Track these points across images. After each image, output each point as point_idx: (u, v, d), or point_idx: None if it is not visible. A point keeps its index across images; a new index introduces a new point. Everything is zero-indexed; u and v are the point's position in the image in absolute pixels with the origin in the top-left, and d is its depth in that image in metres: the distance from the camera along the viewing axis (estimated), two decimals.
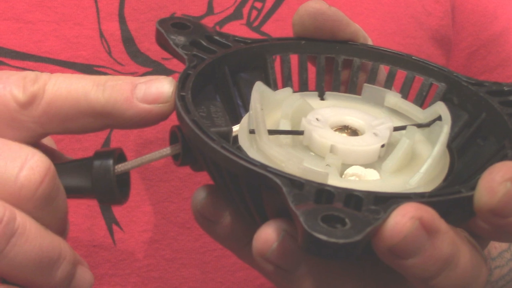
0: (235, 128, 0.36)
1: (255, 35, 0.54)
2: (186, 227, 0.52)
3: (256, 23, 0.54)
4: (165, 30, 0.39)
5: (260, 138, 0.34)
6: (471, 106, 0.38)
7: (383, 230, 0.28)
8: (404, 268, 0.29)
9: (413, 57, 0.41)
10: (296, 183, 0.29)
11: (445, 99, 0.39)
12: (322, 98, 0.41)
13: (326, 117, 0.37)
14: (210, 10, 0.53)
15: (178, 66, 0.52)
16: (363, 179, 0.34)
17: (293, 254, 0.31)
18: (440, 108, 0.37)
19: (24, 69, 0.49)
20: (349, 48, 0.41)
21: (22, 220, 0.32)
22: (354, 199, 0.29)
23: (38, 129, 0.34)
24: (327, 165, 0.35)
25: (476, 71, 0.64)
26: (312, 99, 0.40)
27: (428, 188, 0.34)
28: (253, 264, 0.36)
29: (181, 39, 0.39)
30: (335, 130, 0.37)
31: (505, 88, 0.38)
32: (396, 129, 0.37)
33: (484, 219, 0.30)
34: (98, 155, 0.35)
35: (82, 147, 0.50)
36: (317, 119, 0.37)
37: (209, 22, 0.53)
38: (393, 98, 0.39)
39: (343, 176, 0.35)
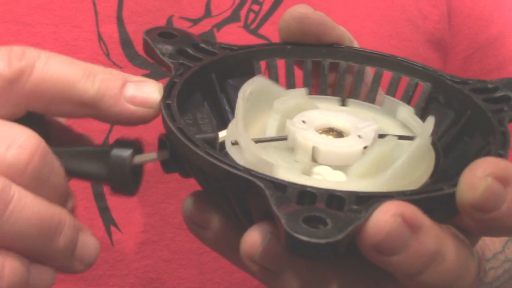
0: (222, 134, 0.36)
1: (253, 38, 0.54)
2: (184, 228, 0.52)
3: (253, 26, 0.54)
4: (151, 40, 0.40)
5: (237, 129, 0.35)
6: (457, 104, 0.39)
7: (366, 228, 0.29)
8: (390, 265, 0.30)
9: (398, 58, 0.41)
10: (279, 186, 0.30)
11: (431, 98, 0.40)
12: (343, 104, 0.41)
13: (312, 119, 0.37)
14: (207, 13, 0.54)
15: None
16: (327, 179, 0.34)
17: (280, 256, 0.31)
18: (427, 123, 0.37)
19: None
20: (335, 51, 0.42)
21: (18, 189, 0.32)
22: (336, 200, 0.29)
23: (23, 106, 0.34)
24: (295, 161, 0.35)
25: (473, 74, 0.64)
26: (332, 104, 0.41)
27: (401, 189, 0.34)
28: (245, 268, 0.37)
29: (167, 48, 0.39)
30: (321, 133, 0.37)
31: (489, 85, 0.39)
32: (401, 138, 0.37)
33: (468, 215, 0.30)
34: (118, 143, 0.35)
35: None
36: (303, 121, 0.37)
37: (206, 24, 0.53)
38: (403, 112, 0.39)
39: (310, 174, 0.35)
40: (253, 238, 0.31)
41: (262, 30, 0.54)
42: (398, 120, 0.40)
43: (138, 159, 0.35)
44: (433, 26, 0.61)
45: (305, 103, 0.39)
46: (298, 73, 0.42)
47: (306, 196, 0.30)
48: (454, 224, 0.34)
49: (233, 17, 0.54)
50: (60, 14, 0.51)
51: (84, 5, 0.52)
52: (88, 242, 0.35)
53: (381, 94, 0.42)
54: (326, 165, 0.35)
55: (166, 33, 0.40)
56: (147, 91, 0.35)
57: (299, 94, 0.39)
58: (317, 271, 0.32)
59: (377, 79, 0.41)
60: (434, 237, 0.30)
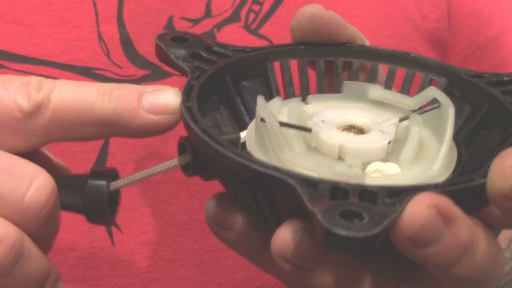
0: (243, 134, 0.36)
1: (253, 38, 0.54)
2: (185, 228, 0.52)
3: (253, 26, 0.54)
4: (165, 45, 0.40)
5: (283, 151, 0.35)
6: (473, 98, 0.39)
7: (401, 221, 0.29)
8: (424, 257, 0.30)
9: (411, 54, 0.41)
10: (310, 183, 0.30)
11: (446, 93, 0.40)
12: (305, 102, 0.41)
13: (331, 118, 0.37)
14: (208, 13, 0.54)
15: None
16: (385, 174, 0.35)
17: (312, 252, 0.31)
18: (434, 92, 0.37)
19: (23, 72, 0.50)
20: (348, 50, 0.41)
21: (28, 244, 0.33)
22: (369, 194, 0.30)
23: (42, 137, 0.34)
24: (349, 166, 0.35)
25: None
26: (295, 103, 0.41)
27: (445, 175, 0.34)
28: (269, 269, 0.37)
29: (181, 52, 0.39)
30: (342, 130, 0.37)
31: (505, 78, 0.39)
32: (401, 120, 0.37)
33: (498, 205, 0.30)
34: (94, 174, 0.36)
35: (81, 149, 0.50)
36: (322, 120, 0.37)
37: (207, 24, 0.53)
38: (377, 90, 0.39)
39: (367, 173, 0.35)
40: (285, 236, 0.31)
41: (263, 30, 0.54)
42: (369, 101, 0.40)
43: (116, 184, 0.36)
44: (433, 25, 0.61)
45: (300, 110, 0.39)
46: (312, 73, 0.42)
47: (338, 191, 0.30)
48: (477, 217, 0.34)
49: (234, 17, 0.54)
50: (60, 15, 0.51)
51: (85, 5, 0.51)
52: None
53: (394, 91, 0.42)
54: (356, 162, 0.35)
55: (178, 37, 0.40)
56: (165, 97, 0.35)
57: (278, 102, 0.40)
58: (349, 267, 0.33)
59: (390, 76, 0.41)
60: (467, 228, 0.30)
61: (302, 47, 0.41)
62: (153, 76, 0.52)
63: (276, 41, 0.55)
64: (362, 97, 0.40)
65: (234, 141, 0.34)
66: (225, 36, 0.53)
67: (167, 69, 0.52)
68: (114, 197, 0.37)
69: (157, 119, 0.35)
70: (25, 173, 0.33)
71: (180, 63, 0.38)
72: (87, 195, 0.35)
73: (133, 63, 0.52)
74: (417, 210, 0.29)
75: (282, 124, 0.36)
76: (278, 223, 0.32)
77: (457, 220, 0.30)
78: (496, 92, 0.37)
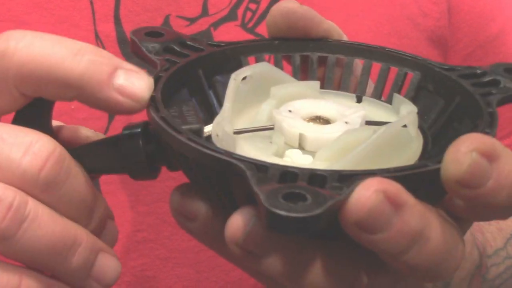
0: (208, 128, 0.36)
1: (250, 36, 0.54)
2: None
3: (250, 24, 0.54)
4: (138, 39, 0.39)
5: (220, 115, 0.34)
6: (445, 91, 0.39)
7: (348, 204, 0.28)
8: (372, 243, 0.29)
9: (386, 49, 0.41)
10: (261, 167, 0.30)
11: (420, 87, 0.40)
12: (358, 101, 0.41)
13: (298, 108, 0.37)
14: (205, 12, 0.54)
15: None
16: (295, 161, 0.34)
17: (264, 239, 0.31)
18: (406, 113, 0.37)
19: None
20: (323, 45, 0.41)
21: (34, 205, 0.32)
22: (319, 178, 0.29)
23: (14, 90, 0.33)
24: (270, 142, 0.35)
25: None
26: (348, 101, 0.41)
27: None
28: (233, 259, 0.37)
29: (154, 46, 0.39)
30: (308, 121, 0.37)
31: (478, 71, 0.39)
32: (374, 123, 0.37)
33: (453, 192, 0.30)
34: (125, 128, 0.35)
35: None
36: (289, 110, 0.37)
37: (203, 23, 0.53)
38: (404, 109, 0.39)
39: (283, 157, 0.35)
40: (237, 222, 0.31)
41: (260, 29, 0.54)
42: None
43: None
44: (433, 23, 0.61)
45: (305, 92, 0.39)
46: (287, 68, 0.42)
47: (288, 176, 0.30)
48: (443, 210, 0.34)
49: (230, 16, 0.54)
50: (57, 13, 0.51)
51: (82, 4, 0.52)
52: (108, 263, 0.35)
53: (370, 86, 0.42)
54: (313, 151, 0.35)
55: (153, 32, 0.40)
56: (137, 85, 0.34)
57: (307, 86, 0.39)
58: (301, 254, 0.32)
59: (366, 71, 0.41)
60: (418, 215, 0.29)
61: (276, 42, 0.41)
62: (149, 74, 0.52)
63: None
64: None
65: (196, 132, 0.34)
66: (221, 35, 0.54)
67: None
68: (151, 149, 0.36)
69: (122, 100, 0.33)
70: (22, 141, 0.32)
71: (152, 56, 0.38)
72: (123, 148, 0.35)
73: (129, 61, 0.52)
74: (364, 194, 0.28)
75: (239, 132, 0.36)
76: (235, 210, 0.32)
77: (407, 206, 0.29)
78: (467, 85, 0.37)
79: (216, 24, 0.54)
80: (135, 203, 0.52)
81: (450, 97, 0.38)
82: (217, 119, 0.36)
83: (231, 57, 0.41)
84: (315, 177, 0.29)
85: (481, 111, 0.35)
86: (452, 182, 0.29)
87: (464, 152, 0.29)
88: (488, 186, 0.29)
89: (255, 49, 0.41)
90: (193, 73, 0.39)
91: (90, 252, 0.34)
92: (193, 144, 0.31)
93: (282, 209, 0.27)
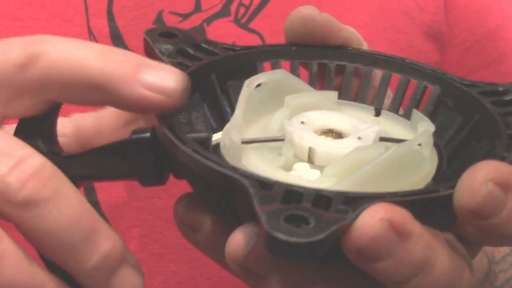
0: (216, 136, 0.35)
1: (243, 32, 0.54)
2: (175, 222, 0.52)
3: (244, 20, 0.54)
4: (151, 39, 0.38)
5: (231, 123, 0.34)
6: (465, 108, 0.37)
7: (351, 231, 0.27)
8: (375, 271, 0.29)
9: (406, 60, 0.40)
10: (266, 185, 0.29)
11: (439, 101, 0.39)
12: (377, 115, 0.40)
13: (311, 120, 0.36)
14: (197, 7, 0.54)
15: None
16: (302, 175, 0.34)
17: (265, 259, 0.30)
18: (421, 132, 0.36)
19: None
20: (341, 53, 0.41)
21: (4, 246, 0.30)
22: (324, 200, 0.28)
23: (39, 94, 0.32)
24: (279, 153, 0.34)
25: (471, 68, 0.64)
26: (365, 113, 0.40)
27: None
28: (235, 274, 0.36)
29: (167, 47, 0.38)
30: (320, 134, 0.36)
31: (500, 88, 0.37)
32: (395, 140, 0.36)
33: (465, 221, 0.29)
34: (133, 132, 0.34)
35: None
36: (302, 122, 0.36)
37: (196, 19, 0.53)
38: (422, 127, 0.37)
39: (291, 170, 0.34)
40: (238, 240, 0.30)
41: (253, 24, 0.54)
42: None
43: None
44: (429, 18, 0.60)
45: (321, 103, 0.38)
46: (304, 75, 0.41)
47: (293, 195, 0.29)
48: (454, 232, 0.33)
49: (223, 12, 0.54)
50: (51, 9, 0.51)
51: (75, 0, 0.52)
52: None
53: (389, 96, 0.41)
54: (322, 166, 0.34)
55: (167, 33, 0.39)
56: (166, 77, 0.32)
57: (324, 96, 0.38)
58: (303, 276, 0.32)
59: (384, 82, 0.40)
60: (423, 245, 0.29)
61: (294, 48, 0.40)
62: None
63: (266, 36, 0.54)
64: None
65: (203, 140, 0.33)
66: (214, 31, 0.53)
67: None
68: (160, 155, 0.34)
69: (150, 95, 0.32)
70: (15, 154, 0.31)
71: (164, 58, 0.37)
72: (132, 153, 0.33)
73: None
74: (369, 222, 0.27)
75: (247, 142, 0.35)
76: (240, 225, 0.31)
77: (412, 236, 0.28)
78: (487, 103, 0.36)
79: (209, 20, 0.54)
80: (129, 199, 0.51)
81: (469, 114, 0.37)
82: (226, 127, 0.36)
83: (246, 62, 0.40)
84: (320, 198, 0.28)
85: (500, 132, 0.34)
86: (465, 212, 0.28)
87: (480, 182, 0.28)
88: (501, 216, 0.28)
89: (271, 54, 0.40)
90: (206, 77, 0.38)
91: None
92: (197, 157, 0.30)
93: (283, 232, 0.26)
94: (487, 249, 0.58)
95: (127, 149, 0.34)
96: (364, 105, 0.40)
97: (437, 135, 0.37)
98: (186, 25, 0.53)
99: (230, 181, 0.29)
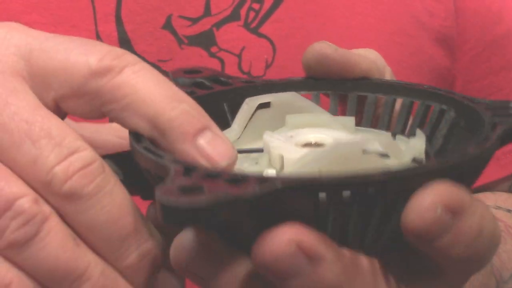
0: None
1: (253, 37, 0.53)
2: None
3: (253, 24, 0.54)
4: (174, 76, 0.39)
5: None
6: (472, 124, 0.37)
7: (258, 245, 0.27)
8: (282, 286, 0.28)
9: (425, 86, 0.40)
10: (189, 169, 0.28)
11: (453, 123, 0.38)
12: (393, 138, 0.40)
13: (300, 134, 0.36)
14: (207, 12, 0.53)
15: (174, 68, 0.52)
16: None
17: (208, 262, 0.30)
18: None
19: None
20: (362, 84, 0.40)
21: (50, 225, 0.31)
22: (240, 179, 0.28)
23: (98, 106, 0.32)
24: (256, 163, 0.34)
25: (481, 73, 0.63)
26: (378, 136, 0.39)
27: None
28: None
29: (185, 80, 0.38)
30: (302, 146, 0.35)
31: (510, 105, 0.36)
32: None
33: (409, 240, 0.28)
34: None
35: None
36: (291, 136, 0.36)
37: (206, 23, 0.53)
38: (412, 141, 0.37)
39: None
40: (180, 243, 0.30)
41: (263, 29, 0.54)
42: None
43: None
44: (439, 23, 0.60)
45: (322, 122, 0.38)
46: (324, 102, 0.41)
47: (211, 175, 0.28)
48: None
49: (233, 16, 0.53)
50: (57, 14, 0.51)
51: (82, 4, 0.51)
52: None
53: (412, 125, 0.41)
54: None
55: (192, 70, 0.39)
56: (219, 150, 0.32)
57: (342, 122, 0.38)
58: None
59: (404, 108, 0.40)
60: (335, 272, 0.28)
61: (313, 80, 0.40)
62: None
63: (276, 40, 0.54)
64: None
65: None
66: (224, 35, 0.53)
67: (166, 69, 0.52)
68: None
69: (199, 159, 0.32)
70: (68, 145, 0.31)
71: (179, 87, 0.38)
72: (126, 165, 0.33)
73: None
74: (274, 241, 0.27)
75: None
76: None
77: (324, 261, 0.27)
78: (486, 114, 0.35)
79: (218, 24, 0.53)
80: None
81: (474, 129, 0.36)
82: None
83: (261, 93, 0.39)
84: (237, 178, 0.28)
85: (482, 120, 0.34)
86: (410, 231, 0.28)
87: (428, 205, 0.27)
88: (444, 240, 0.28)
89: (290, 86, 0.40)
90: (216, 107, 0.38)
91: None
92: (141, 151, 0.30)
93: (172, 198, 0.26)
94: (495, 269, 0.57)
95: (123, 161, 0.34)
96: (382, 131, 0.40)
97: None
98: (196, 29, 0.52)
99: (163, 168, 0.29)
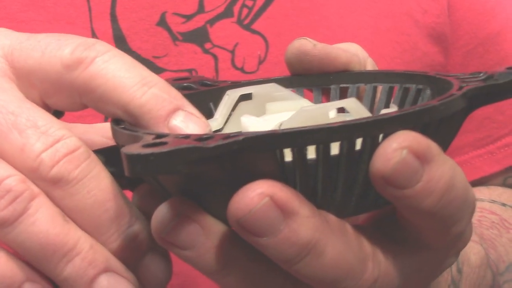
0: None
1: (246, 33, 0.54)
2: None
3: (247, 21, 0.54)
4: None
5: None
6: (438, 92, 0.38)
7: (232, 200, 0.27)
8: (259, 246, 0.28)
9: (403, 71, 0.41)
10: (161, 136, 0.29)
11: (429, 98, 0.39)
12: None
13: (276, 117, 0.37)
14: (201, 8, 0.54)
15: (169, 65, 0.53)
16: None
17: (186, 231, 0.30)
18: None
19: None
20: (344, 77, 0.41)
21: (39, 202, 0.31)
22: (207, 137, 0.28)
23: (76, 97, 0.33)
24: None
25: (474, 70, 0.64)
26: None
27: None
28: None
29: (174, 85, 0.38)
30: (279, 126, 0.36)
31: (481, 75, 0.36)
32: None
33: (380, 189, 0.28)
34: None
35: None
36: (268, 119, 0.37)
37: (199, 20, 0.53)
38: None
39: None
40: (161, 214, 0.30)
41: (256, 26, 0.54)
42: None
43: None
44: (433, 20, 0.61)
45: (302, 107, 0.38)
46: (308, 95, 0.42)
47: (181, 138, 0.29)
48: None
49: (227, 13, 0.54)
50: (53, 11, 0.51)
51: (78, 2, 0.52)
52: (114, 286, 0.32)
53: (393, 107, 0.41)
54: None
55: (181, 78, 0.40)
56: (192, 129, 0.32)
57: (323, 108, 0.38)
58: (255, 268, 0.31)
59: (385, 95, 0.41)
60: (310, 228, 0.28)
61: (296, 77, 0.41)
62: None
63: (269, 37, 0.55)
64: None
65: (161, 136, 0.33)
66: (218, 32, 0.53)
67: (160, 64, 0.52)
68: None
69: None
70: (53, 133, 0.32)
71: None
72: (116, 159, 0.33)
73: None
74: (248, 195, 0.27)
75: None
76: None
77: (298, 216, 0.28)
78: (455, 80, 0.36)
79: (212, 21, 0.54)
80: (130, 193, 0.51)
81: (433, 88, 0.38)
82: None
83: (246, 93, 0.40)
84: (205, 137, 0.28)
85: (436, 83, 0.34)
86: (378, 177, 0.28)
87: (394, 149, 0.27)
88: (416, 188, 0.28)
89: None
90: (203, 106, 0.38)
91: (88, 266, 0.32)
92: (120, 129, 0.31)
93: (135, 150, 0.27)
94: (492, 261, 0.57)
95: (112, 156, 0.34)
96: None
97: None
98: (189, 26, 0.53)
99: (136, 139, 0.30)
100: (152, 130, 0.32)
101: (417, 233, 0.32)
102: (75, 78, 0.33)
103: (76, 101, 0.34)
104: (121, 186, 0.34)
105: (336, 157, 0.29)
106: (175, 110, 0.32)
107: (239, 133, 0.27)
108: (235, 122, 0.38)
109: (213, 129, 0.36)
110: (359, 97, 0.41)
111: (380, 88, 0.41)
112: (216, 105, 0.39)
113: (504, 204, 0.64)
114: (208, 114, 0.39)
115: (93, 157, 0.33)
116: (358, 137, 0.28)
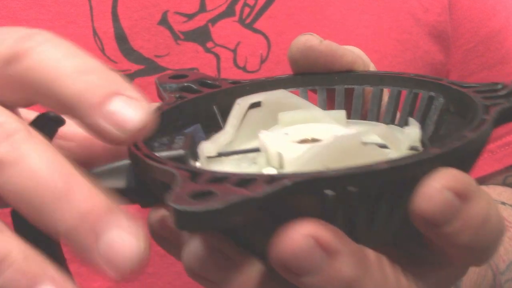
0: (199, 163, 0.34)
1: (248, 32, 0.54)
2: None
3: (248, 20, 0.54)
4: (160, 82, 0.38)
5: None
6: (461, 108, 0.37)
7: (275, 241, 0.27)
8: (299, 285, 0.28)
9: (411, 75, 0.40)
10: (196, 174, 0.28)
11: (442, 110, 0.38)
12: None
13: (296, 131, 0.36)
14: (202, 8, 0.54)
15: (171, 64, 0.53)
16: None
17: (220, 267, 0.30)
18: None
19: None
20: (349, 77, 0.40)
21: None
22: (248, 181, 0.27)
23: (19, 92, 0.31)
24: (254, 163, 0.34)
25: (475, 68, 0.64)
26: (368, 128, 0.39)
27: None
28: None
29: (172, 85, 0.38)
30: (300, 142, 0.35)
31: (499, 87, 0.36)
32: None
33: (419, 227, 0.28)
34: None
35: None
36: (286, 134, 0.36)
37: (201, 19, 0.53)
38: (407, 129, 0.37)
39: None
40: (192, 250, 0.29)
41: (257, 25, 0.54)
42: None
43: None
44: (434, 19, 0.61)
45: (316, 117, 0.38)
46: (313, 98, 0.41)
47: (218, 179, 0.28)
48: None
49: (228, 12, 0.54)
50: (55, 10, 0.51)
51: (79, 1, 0.52)
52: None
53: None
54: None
55: (178, 75, 0.39)
56: (129, 114, 0.29)
57: (329, 115, 0.38)
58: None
59: (393, 99, 0.40)
60: (352, 265, 0.28)
61: (300, 76, 0.40)
62: (148, 71, 0.52)
63: (271, 36, 0.54)
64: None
65: (177, 157, 0.32)
66: (219, 31, 0.53)
67: (162, 64, 0.52)
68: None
69: (107, 128, 0.29)
70: (6, 126, 0.30)
71: (166, 94, 0.37)
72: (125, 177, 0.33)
73: (127, 58, 0.52)
74: (291, 236, 0.27)
75: (227, 154, 0.35)
76: None
77: (340, 255, 0.27)
78: (476, 97, 0.35)
79: (214, 20, 0.54)
80: None
81: (465, 113, 0.36)
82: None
83: (250, 93, 0.39)
84: (245, 180, 0.28)
85: (475, 106, 0.34)
86: (419, 217, 0.28)
87: (437, 189, 0.27)
88: (454, 225, 0.28)
89: (278, 84, 0.40)
90: (206, 109, 0.38)
91: (23, 277, 0.29)
92: (139, 155, 0.30)
93: (184, 204, 0.26)
94: (491, 261, 0.57)
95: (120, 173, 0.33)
96: (373, 122, 0.40)
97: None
98: (191, 25, 0.53)
99: (166, 174, 0.29)
100: (87, 122, 0.30)
101: (445, 259, 0.32)
102: (14, 73, 0.30)
103: (23, 97, 0.31)
104: (132, 201, 0.33)
105: (379, 195, 0.29)
106: (110, 95, 0.29)
107: (283, 175, 0.27)
108: (246, 132, 0.37)
109: (225, 142, 0.36)
110: (365, 99, 0.40)
111: (386, 90, 0.40)
112: (220, 108, 0.38)
113: (504, 203, 0.65)
114: (212, 117, 0.38)
115: (36, 136, 0.30)
116: (405, 178, 0.28)
